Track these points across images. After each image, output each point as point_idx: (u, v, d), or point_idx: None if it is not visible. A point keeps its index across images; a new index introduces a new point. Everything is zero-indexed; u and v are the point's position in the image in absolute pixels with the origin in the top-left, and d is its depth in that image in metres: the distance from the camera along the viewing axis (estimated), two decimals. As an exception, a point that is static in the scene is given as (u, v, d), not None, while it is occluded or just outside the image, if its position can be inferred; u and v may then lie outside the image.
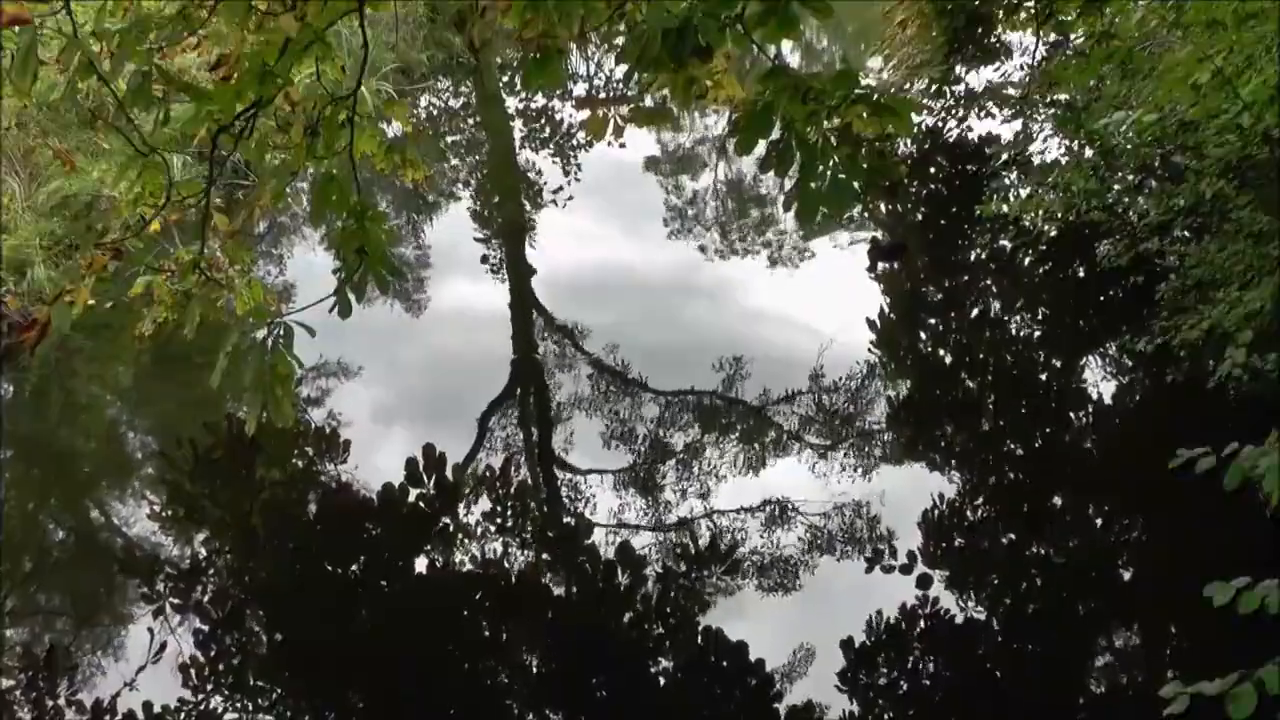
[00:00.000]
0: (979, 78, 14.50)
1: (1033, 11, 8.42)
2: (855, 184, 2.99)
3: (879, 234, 11.39)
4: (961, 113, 14.27)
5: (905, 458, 8.35)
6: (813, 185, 3.00)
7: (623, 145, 11.52)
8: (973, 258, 11.75)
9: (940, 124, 14.22)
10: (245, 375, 3.77)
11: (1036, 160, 11.71)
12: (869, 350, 9.73)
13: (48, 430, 9.17)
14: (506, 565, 7.38)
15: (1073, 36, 9.92)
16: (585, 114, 3.87)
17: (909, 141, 13.60)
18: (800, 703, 6.23)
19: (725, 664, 6.57)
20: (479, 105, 17.28)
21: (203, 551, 7.54)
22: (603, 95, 16.48)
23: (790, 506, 7.69)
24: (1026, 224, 10.43)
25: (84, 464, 8.91)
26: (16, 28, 3.60)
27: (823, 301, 10.60)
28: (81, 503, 8.30)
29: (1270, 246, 7.40)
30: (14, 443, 8.79)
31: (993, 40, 14.10)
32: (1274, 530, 5.85)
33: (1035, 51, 12.02)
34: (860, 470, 8.11)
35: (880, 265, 11.02)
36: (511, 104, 16.89)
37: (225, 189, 10.57)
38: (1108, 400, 9.25)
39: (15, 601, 7.10)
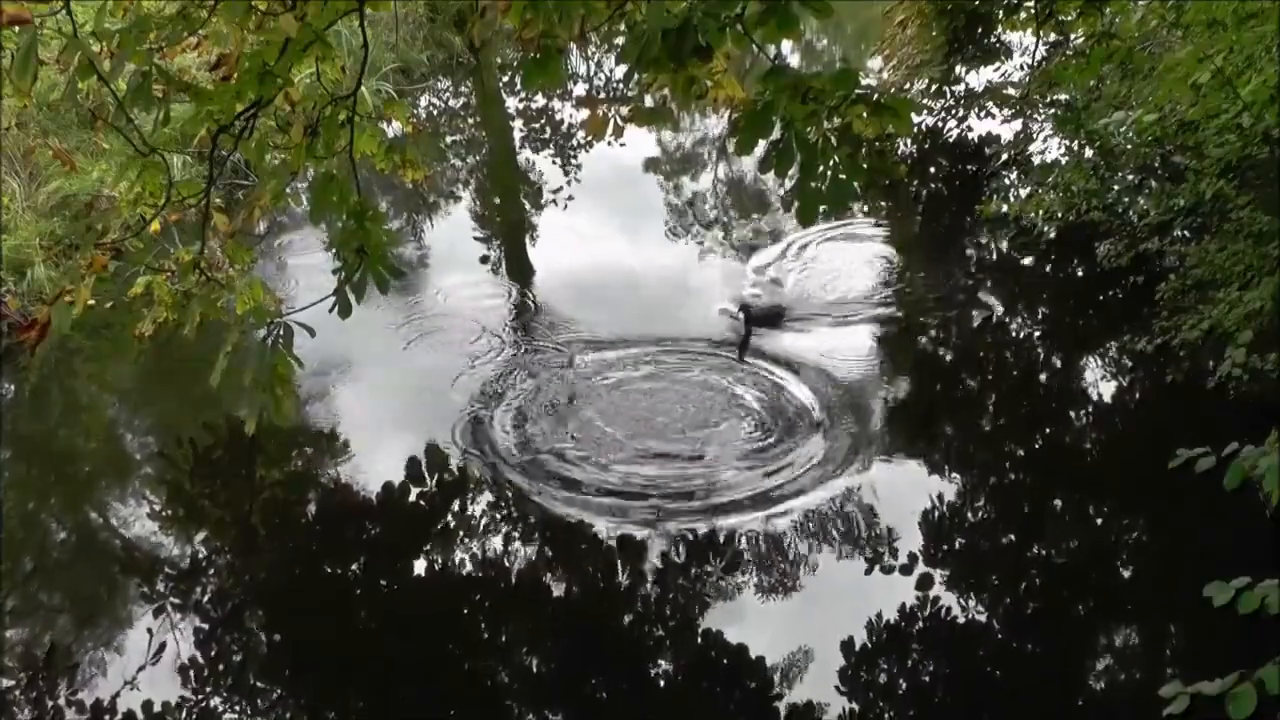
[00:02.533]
0: (979, 78, 14.49)
1: (1033, 11, 8.41)
2: (855, 184, 2.99)
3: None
4: (961, 113, 14.27)
5: (906, 458, 8.34)
6: (813, 185, 3.00)
7: (623, 145, 11.59)
8: (972, 257, 11.74)
9: (940, 124, 14.21)
10: (245, 375, 3.79)
11: (1036, 160, 11.71)
12: (868, 349, 9.72)
13: (48, 430, 9.17)
14: (506, 564, 7.38)
15: (1073, 36, 9.92)
16: (585, 114, 3.87)
17: (909, 141, 13.58)
18: (800, 703, 6.23)
19: (724, 662, 6.57)
20: (479, 105, 17.27)
21: (203, 551, 7.53)
22: (603, 95, 16.47)
23: (789, 506, 7.68)
24: (1026, 224, 10.43)
25: (84, 464, 8.91)
26: (16, 28, 3.60)
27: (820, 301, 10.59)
28: (81, 503, 8.30)
29: (1270, 246, 7.42)
30: (14, 443, 8.79)
31: (993, 40, 14.10)
32: (1274, 530, 5.86)
33: (1035, 51, 12.02)
34: (859, 469, 8.10)
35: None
36: (511, 104, 16.87)
37: (225, 189, 10.58)
38: (1108, 400, 9.25)
39: (15, 601, 7.10)
